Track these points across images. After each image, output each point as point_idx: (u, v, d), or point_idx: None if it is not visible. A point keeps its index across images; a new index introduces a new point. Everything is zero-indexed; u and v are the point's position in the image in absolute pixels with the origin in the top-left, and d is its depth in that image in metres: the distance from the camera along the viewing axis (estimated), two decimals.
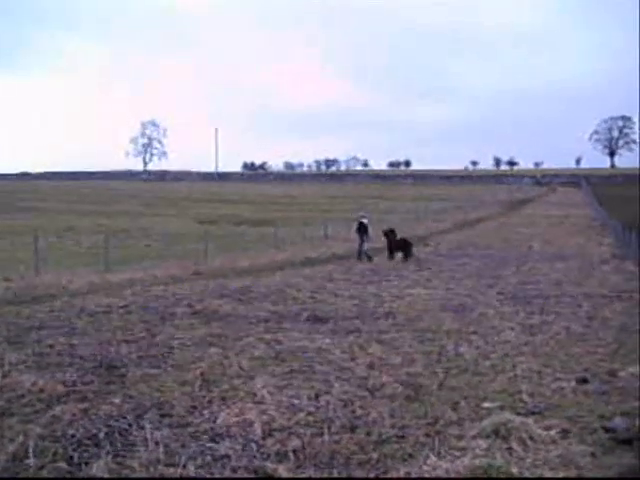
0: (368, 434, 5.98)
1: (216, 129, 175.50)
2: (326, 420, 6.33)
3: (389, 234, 24.62)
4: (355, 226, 25.48)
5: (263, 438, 5.87)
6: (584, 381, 7.72)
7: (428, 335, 10.49)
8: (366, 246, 24.69)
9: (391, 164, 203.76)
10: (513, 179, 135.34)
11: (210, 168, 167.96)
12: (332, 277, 18.71)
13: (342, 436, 5.92)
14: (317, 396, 7.08)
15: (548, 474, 5.04)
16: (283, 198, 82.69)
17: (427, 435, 5.93)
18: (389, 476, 5.11)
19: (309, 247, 29.84)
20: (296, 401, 6.90)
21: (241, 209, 60.57)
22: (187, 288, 16.11)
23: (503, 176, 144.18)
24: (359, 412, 6.59)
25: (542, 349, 9.57)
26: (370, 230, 24.98)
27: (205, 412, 6.60)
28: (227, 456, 5.49)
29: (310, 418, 6.42)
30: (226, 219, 48.37)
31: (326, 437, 5.89)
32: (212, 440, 5.86)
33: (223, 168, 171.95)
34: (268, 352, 9.19)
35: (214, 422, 6.28)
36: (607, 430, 5.96)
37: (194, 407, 6.75)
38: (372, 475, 5.15)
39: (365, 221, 25.26)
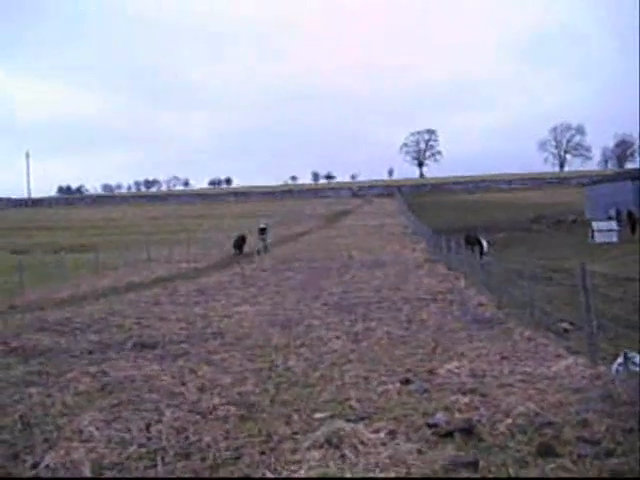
0: (203, 459, 5.88)
1: (27, 152, 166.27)
2: (159, 450, 6.14)
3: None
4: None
5: (93, 479, 5.59)
6: (407, 382, 8.14)
7: (257, 352, 10.55)
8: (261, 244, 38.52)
9: (212, 182, 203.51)
10: (331, 192, 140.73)
11: (22, 194, 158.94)
12: (157, 301, 18.29)
13: (176, 465, 5.78)
14: (148, 426, 6.85)
15: (380, 476, 5.24)
16: (102, 222, 79.78)
17: (262, 453, 5.93)
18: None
19: (132, 271, 29.05)
20: (126, 434, 6.64)
21: (58, 236, 57.64)
22: (0, 324, 14.99)
23: (322, 190, 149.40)
24: (192, 438, 6.47)
25: (367, 355, 9.96)
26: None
27: (27, 458, 6.14)
28: None
29: (142, 450, 6.19)
30: (42, 247, 45.88)
31: (160, 468, 5.72)
32: None
33: (36, 193, 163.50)
34: (94, 385, 8.76)
35: (37, 468, 5.88)
36: (430, 426, 6.31)
37: (15, 455, 6.26)
38: None
39: (262, 226, 40.03)
